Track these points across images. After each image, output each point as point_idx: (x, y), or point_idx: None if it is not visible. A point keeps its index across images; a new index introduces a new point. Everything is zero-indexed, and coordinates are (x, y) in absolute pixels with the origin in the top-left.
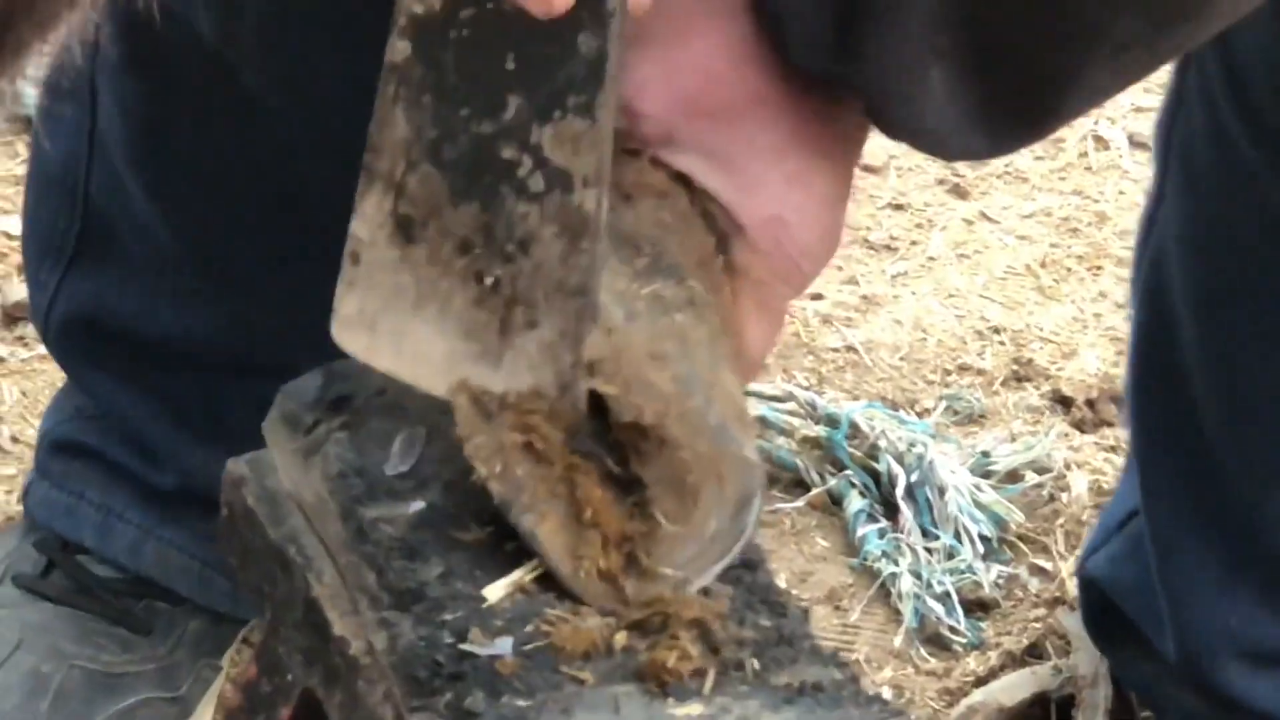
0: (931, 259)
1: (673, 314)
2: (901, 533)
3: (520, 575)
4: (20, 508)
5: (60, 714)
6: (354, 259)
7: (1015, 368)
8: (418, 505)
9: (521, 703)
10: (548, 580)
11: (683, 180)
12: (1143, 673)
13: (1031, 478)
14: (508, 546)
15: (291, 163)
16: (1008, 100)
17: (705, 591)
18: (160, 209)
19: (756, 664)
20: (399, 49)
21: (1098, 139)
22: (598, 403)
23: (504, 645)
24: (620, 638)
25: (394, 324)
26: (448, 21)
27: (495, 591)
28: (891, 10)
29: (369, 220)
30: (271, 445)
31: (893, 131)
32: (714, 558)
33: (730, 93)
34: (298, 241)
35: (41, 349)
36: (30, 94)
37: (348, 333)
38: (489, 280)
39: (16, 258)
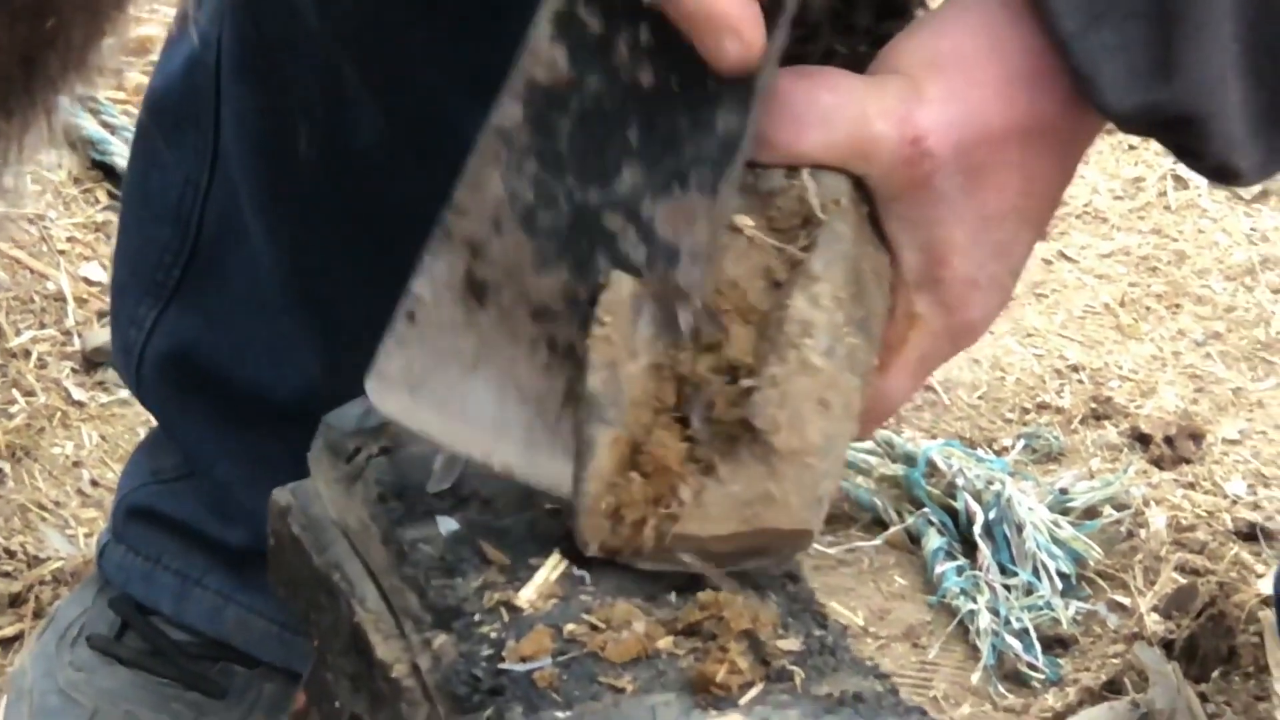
0: (1010, 298)
1: (856, 373)
2: (980, 570)
3: (546, 574)
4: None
5: None
6: (410, 318)
7: (1093, 405)
8: (455, 523)
9: (559, 715)
10: (575, 578)
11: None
12: None
13: (1109, 514)
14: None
15: (388, 185)
16: None
17: (751, 595)
18: (266, 232)
19: (802, 674)
20: (509, 113)
21: (1177, 178)
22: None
23: (542, 659)
24: (664, 643)
25: (443, 386)
26: (571, 90)
27: (526, 594)
28: (1205, 18)
29: (436, 280)
30: (315, 474)
31: (1199, 146)
32: (727, 563)
33: (985, 154)
34: (388, 277)
35: (122, 393)
36: (105, 137)
37: (385, 390)
38: (561, 347)
39: (97, 304)
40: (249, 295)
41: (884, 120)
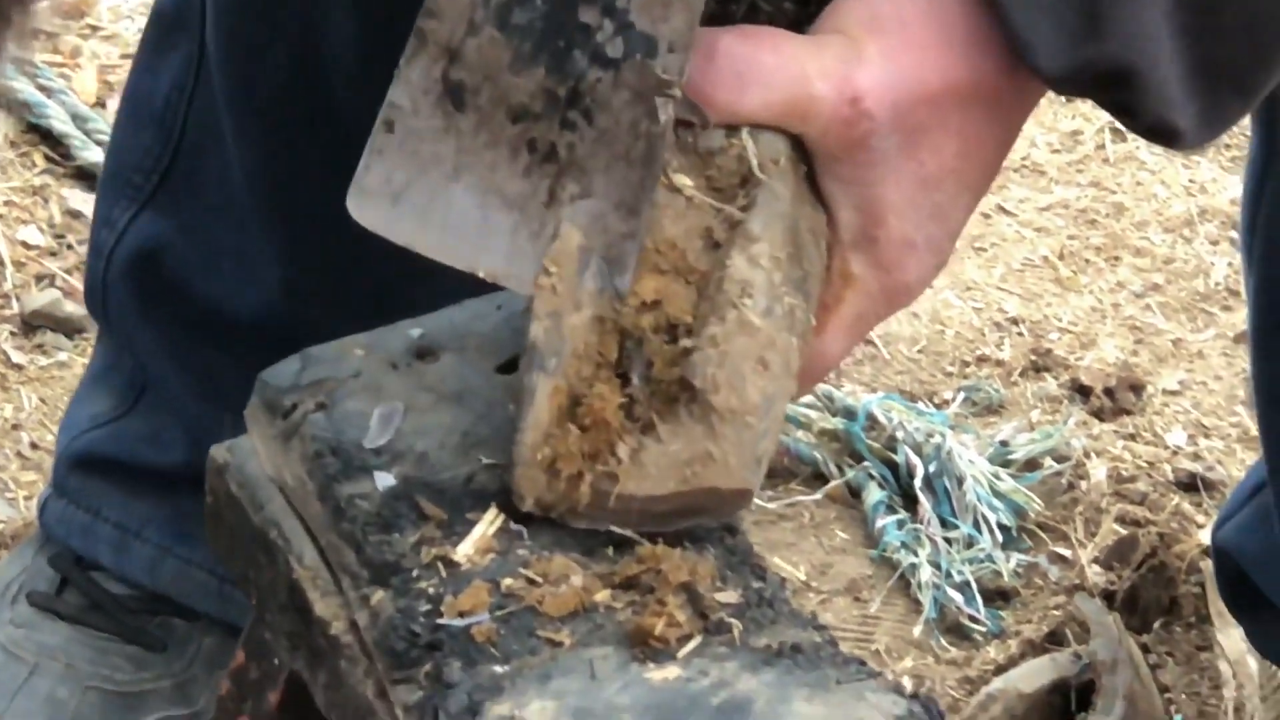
0: (946, 261)
1: (794, 332)
2: (920, 523)
3: (484, 529)
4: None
5: None
6: (388, 127)
7: (1033, 358)
8: (392, 478)
9: (498, 669)
10: (513, 533)
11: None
12: (1275, 638)
13: (1050, 466)
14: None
15: (361, 102)
16: (1226, 54)
17: (690, 549)
18: (246, 155)
19: (740, 627)
20: None
21: (1115, 132)
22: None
23: (479, 614)
24: (602, 596)
25: (425, 195)
26: None
27: (464, 549)
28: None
29: (412, 86)
30: (252, 430)
31: (1136, 104)
32: (666, 522)
33: (923, 115)
34: None
35: (61, 355)
36: (42, 101)
37: (367, 204)
38: (542, 149)
39: (35, 267)
40: (221, 204)
41: (823, 80)
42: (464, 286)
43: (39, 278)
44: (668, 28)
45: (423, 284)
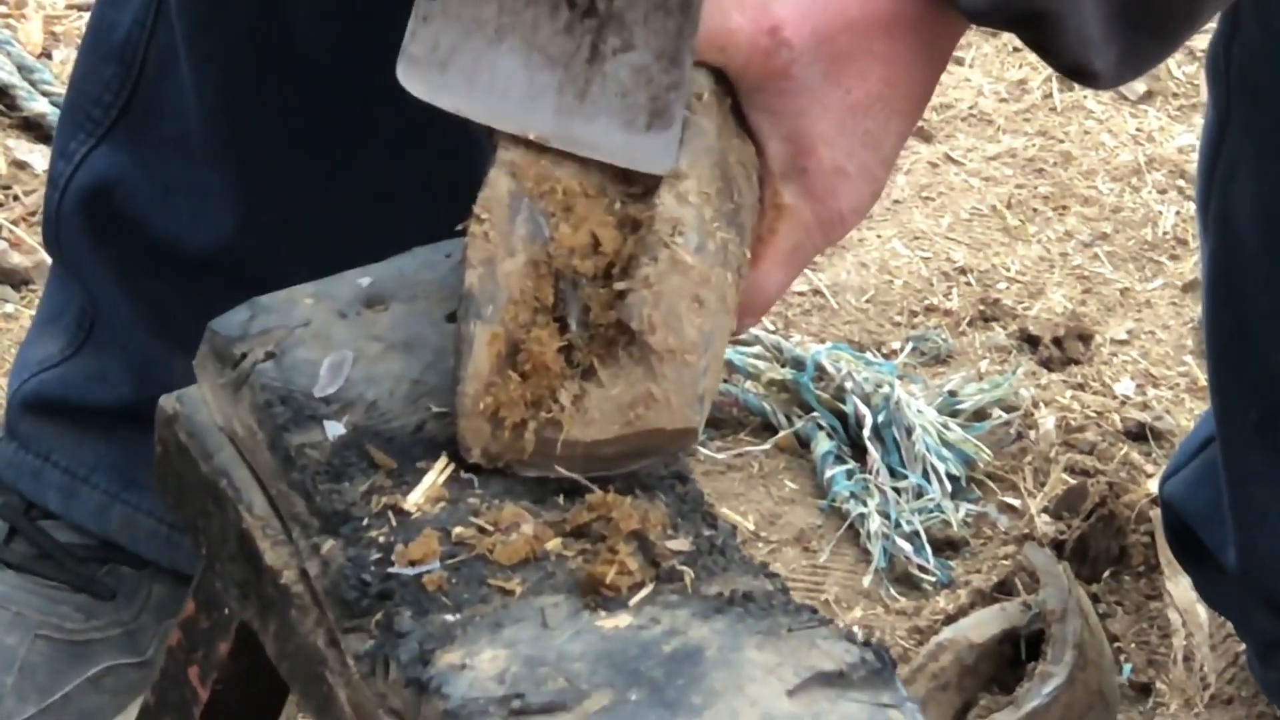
0: (896, 202)
1: (729, 267)
2: (869, 473)
3: (434, 478)
4: None
5: (27, 688)
6: None
7: (982, 308)
8: (342, 427)
9: (449, 618)
10: (463, 481)
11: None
12: (1221, 591)
13: (998, 416)
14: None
15: (331, 63)
16: (1144, 2)
17: (641, 496)
18: (203, 91)
19: (691, 575)
20: None
21: (1062, 80)
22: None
23: (430, 562)
24: (553, 544)
25: (470, 59)
26: None
27: (414, 498)
28: None
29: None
30: (201, 380)
31: (1053, 44)
32: (613, 465)
33: (846, 42)
34: (319, 151)
35: (8, 308)
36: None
37: (415, 71)
38: (581, 4)
39: None
40: (178, 140)
41: (740, 12)
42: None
43: None
44: None
45: (378, 225)
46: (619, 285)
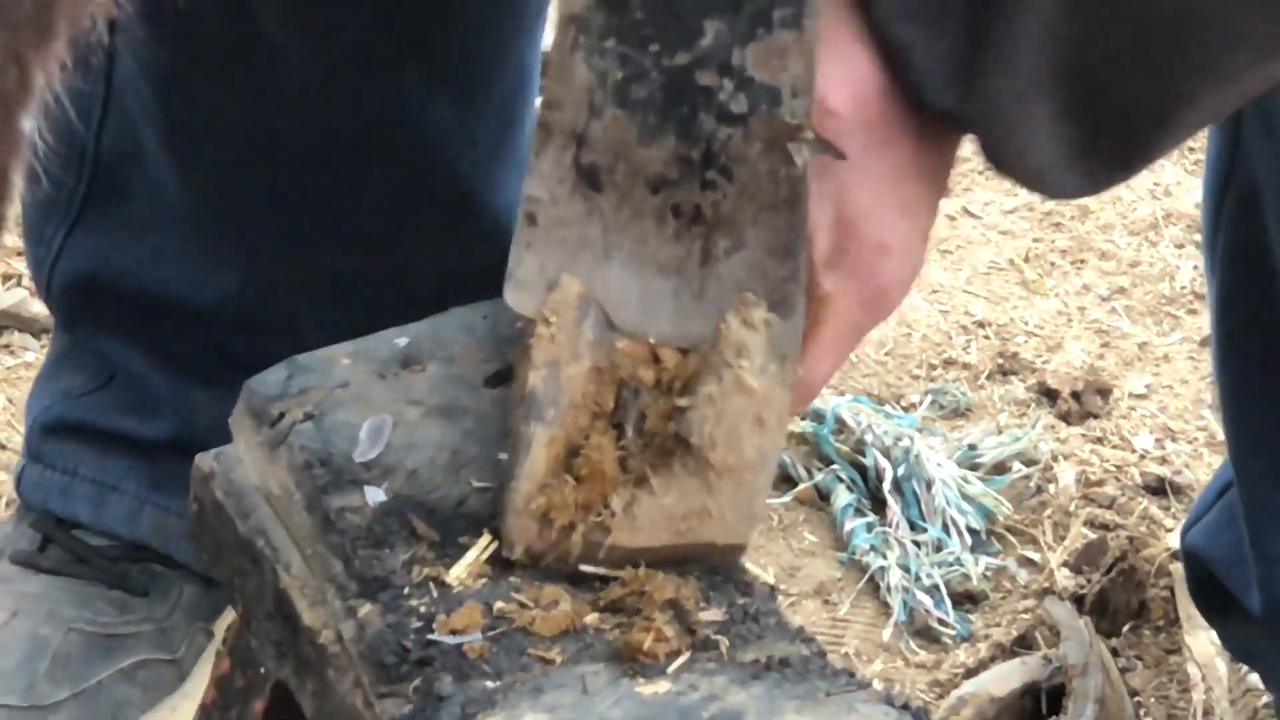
0: (922, 264)
1: (786, 385)
2: (889, 526)
3: (477, 554)
4: (8, 512)
5: (59, 674)
6: (530, 220)
7: (1000, 361)
8: (383, 494)
9: (490, 684)
10: (504, 561)
11: None
12: (1246, 639)
13: (1018, 469)
14: (468, 533)
15: (307, 119)
16: (1107, 138)
17: (672, 572)
18: (176, 163)
19: (727, 642)
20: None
21: None
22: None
23: (472, 632)
24: (591, 618)
25: (580, 277)
26: None
27: (457, 572)
28: (1009, 46)
29: (547, 177)
30: (238, 438)
31: (1004, 169)
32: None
33: (879, 107)
34: (309, 201)
35: (28, 356)
36: None
37: (523, 295)
38: (687, 212)
39: (1, 266)
40: (156, 219)
41: None
42: (424, 258)
43: (5, 277)
44: (787, 75)
45: (383, 262)
46: (682, 402)
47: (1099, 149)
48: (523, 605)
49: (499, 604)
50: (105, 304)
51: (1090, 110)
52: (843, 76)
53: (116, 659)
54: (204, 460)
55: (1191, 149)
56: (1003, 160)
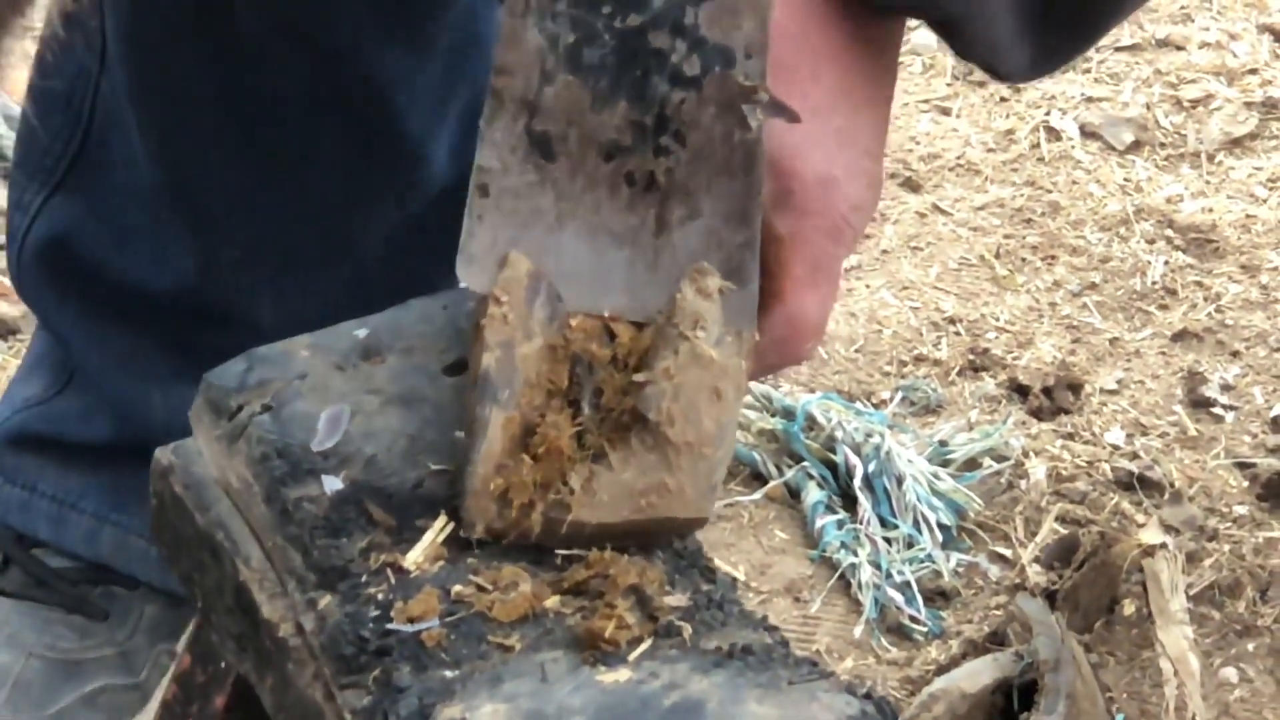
0: (885, 252)
1: (743, 355)
2: (860, 523)
3: (433, 537)
4: None
5: (21, 702)
6: (482, 191)
7: (971, 357)
8: (340, 482)
9: (448, 674)
10: (462, 541)
11: None
12: None
13: (989, 465)
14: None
15: (262, 73)
16: (1058, 7)
17: (637, 554)
18: (146, 128)
19: (690, 629)
20: None
21: (1049, 130)
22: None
23: (430, 619)
24: (551, 602)
25: (534, 249)
26: None
27: (414, 556)
28: None
29: (499, 146)
30: (197, 431)
31: (962, 47)
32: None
33: (793, 48)
34: (273, 189)
35: None
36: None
37: (475, 269)
38: (641, 180)
39: None
40: (131, 186)
41: None
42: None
43: None
44: (741, 35)
45: (334, 246)
46: (638, 377)
47: (1049, 19)
48: (481, 589)
49: (457, 588)
50: (71, 279)
51: None
52: None
53: (78, 685)
54: (163, 454)
55: (1162, 144)
56: (961, 37)
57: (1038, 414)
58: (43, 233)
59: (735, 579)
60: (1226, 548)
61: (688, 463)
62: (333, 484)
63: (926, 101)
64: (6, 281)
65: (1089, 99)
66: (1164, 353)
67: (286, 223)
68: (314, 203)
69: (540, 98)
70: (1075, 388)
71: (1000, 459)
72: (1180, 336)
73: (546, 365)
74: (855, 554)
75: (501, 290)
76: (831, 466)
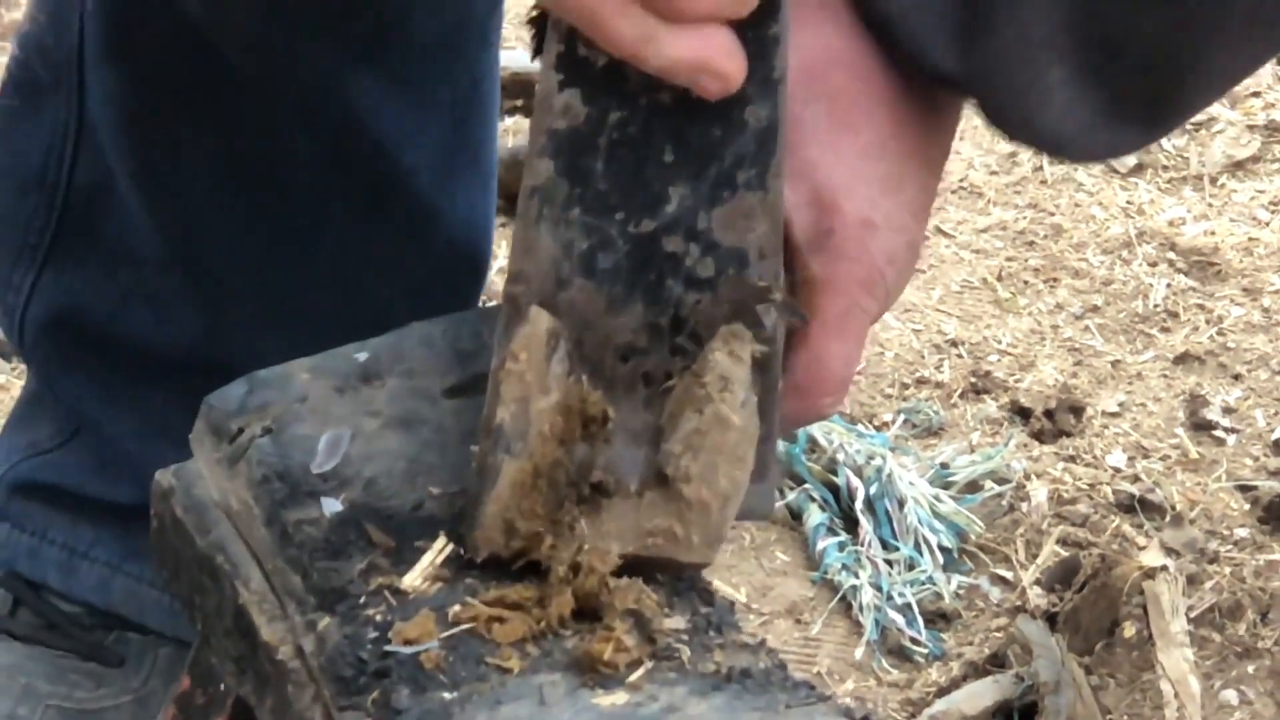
0: (919, 244)
1: (764, 418)
2: (861, 545)
3: (432, 558)
4: None
5: None
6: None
7: (973, 380)
8: (340, 504)
9: (447, 695)
10: (461, 562)
11: None
12: None
13: (991, 488)
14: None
15: (267, 141)
16: (1132, 97)
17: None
18: (147, 202)
19: (688, 652)
20: (540, 169)
21: None
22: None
23: (427, 641)
24: (550, 624)
25: None
26: (595, 129)
27: (411, 579)
28: (1011, 7)
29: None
30: (197, 454)
31: (1012, 132)
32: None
33: (841, 79)
34: (278, 244)
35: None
36: None
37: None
38: (658, 380)
39: None
40: (125, 256)
41: None
42: (386, 288)
43: None
44: (754, 236)
45: (347, 299)
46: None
47: (1127, 109)
48: (480, 610)
49: (455, 609)
50: (76, 351)
51: (1111, 69)
52: (793, 44)
53: None
54: (164, 476)
55: (1165, 167)
56: (1008, 123)
57: (1039, 436)
58: (39, 314)
59: (734, 601)
60: (1227, 570)
61: (699, 517)
62: (332, 506)
63: None
64: None
65: None
66: (1166, 375)
67: (298, 285)
68: (325, 265)
69: (556, 303)
70: (1077, 410)
71: (1001, 481)
72: (1182, 359)
73: (561, 419)
74: (856, 576)
75: (520, 347)
76: (833, 489)
